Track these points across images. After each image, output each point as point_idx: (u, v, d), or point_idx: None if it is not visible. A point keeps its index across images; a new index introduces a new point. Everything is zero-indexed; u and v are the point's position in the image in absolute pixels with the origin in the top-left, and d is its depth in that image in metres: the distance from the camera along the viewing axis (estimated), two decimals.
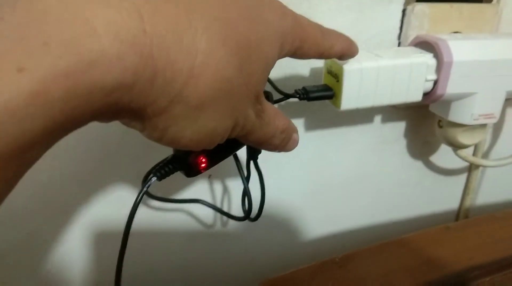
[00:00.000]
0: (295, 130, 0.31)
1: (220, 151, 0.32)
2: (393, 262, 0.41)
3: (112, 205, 0.43)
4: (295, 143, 0.31)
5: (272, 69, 0.40)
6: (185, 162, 0.31)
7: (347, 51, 0.31)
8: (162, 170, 0.31)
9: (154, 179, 0.30)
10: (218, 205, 0.47)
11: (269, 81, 0.40)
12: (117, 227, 0.44)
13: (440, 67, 0.39)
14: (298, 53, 0.27)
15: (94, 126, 0.21)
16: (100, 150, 0.40)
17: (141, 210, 0.44)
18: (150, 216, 0.45)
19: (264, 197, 0.39)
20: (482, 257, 0.41)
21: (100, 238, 0.44)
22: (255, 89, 0.24)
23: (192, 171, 0.31)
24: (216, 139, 0.23)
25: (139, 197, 0.30)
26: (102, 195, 0.42)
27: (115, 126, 0.27)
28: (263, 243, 0.52)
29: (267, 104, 0.26)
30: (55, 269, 0.44)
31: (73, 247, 0.44)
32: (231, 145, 0.31)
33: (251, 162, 0.38)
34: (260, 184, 0.39)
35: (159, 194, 0.42)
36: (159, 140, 0.22)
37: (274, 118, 0.27)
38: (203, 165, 0.31)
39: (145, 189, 0.30)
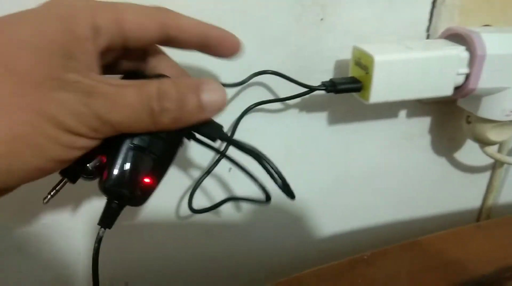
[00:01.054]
0: (195, 87, 0.26)
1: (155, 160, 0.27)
2: (423, 260, 0.40)
3: None
4: (211, 104, 0.26)
5: (295, 60, 0.39)
6: (127, 195, 0.27)
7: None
8: (107, 218, 0.28)
9: (103, 230, 0.28)
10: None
11: (284, 76, 0.39)
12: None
13: (472, 60, 0.38)
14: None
15: None
16: None
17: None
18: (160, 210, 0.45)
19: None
20: None
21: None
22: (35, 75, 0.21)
23: (141, 199, 0.28)
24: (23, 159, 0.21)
25: (94, 253, 0.28)
26: None
27: None
28: (281, 240, 0.51)
29: (99, 77, 0.23)
30: (64, 260, 0.44)
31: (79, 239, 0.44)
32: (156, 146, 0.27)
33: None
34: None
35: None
36: None
37: (125, 85, 0.24)
38: (148, 183, 0.27)
39: (97, 245, 0.28)
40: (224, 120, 0.41)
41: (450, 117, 0.49)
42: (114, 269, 0.46)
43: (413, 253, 0.41)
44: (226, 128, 0.41)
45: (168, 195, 0.44)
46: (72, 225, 0.42)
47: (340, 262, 0.40)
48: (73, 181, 0.29)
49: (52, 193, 0.29)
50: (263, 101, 0.41)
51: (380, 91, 0.37)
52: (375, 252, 0.41)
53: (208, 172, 0.40)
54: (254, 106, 0.41)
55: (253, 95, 0.41)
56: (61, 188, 0.29)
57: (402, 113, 0.47)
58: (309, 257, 0.53)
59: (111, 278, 0.47)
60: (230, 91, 0.40)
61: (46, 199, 0.29)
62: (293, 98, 0.40)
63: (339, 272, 0.38)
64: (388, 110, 0.47)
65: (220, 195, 0.45)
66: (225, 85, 0.35)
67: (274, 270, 0.52)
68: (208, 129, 0.28)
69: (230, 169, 0.45)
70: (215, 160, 0.40)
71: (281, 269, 0.52)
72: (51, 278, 0.45)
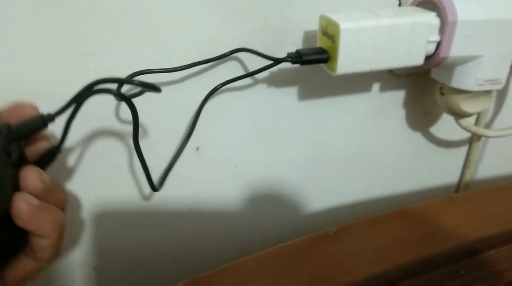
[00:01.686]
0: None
1: None
2: (392, 235, 0.38)
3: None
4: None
5: (262, 33, 0.37)
6: None
7: None
8: None
9: None
10: None
11: (253, 51, 0.37)
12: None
13: (443, 27, 0.36)
14: None
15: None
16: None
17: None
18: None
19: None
20: (487, 230, 0.39)
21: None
22: None
23: None
24: None
25: None
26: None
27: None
28: (256, 218, 0.50)
29: None
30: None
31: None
32: None
33: None
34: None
35: None
36: None
37: None
38: None
39: None
40: (190, 102, 0.39)
41: (424, 89, 0.48)
42: (82, 255, 0.45)
43: (381, 228, 0.40)
44: (192, 110, 0.40)
45: (129, 181, 0.42)
46: None
47: (303, 239, 0.38)
48: None
49: None
50: (228, 80, 0.39)
51: (347, 61, 0.35)
52: (340, 227, 0.40)
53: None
54: (220, 87, 0.39)
55: (218, 72, 0.39)
56: None
57: (375, 86, 0.46)
58: (285, 236, 0.52)
59: (79, 263, 0.45)
60: (195, 69, 0.38)
61: None
62: (258, 72, 0.38)
63: (302, 249, 0.37)
64: (360, 83, 0.45)
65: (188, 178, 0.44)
66: (190, 65, 0.34)
67: (249, 249, 0.51)
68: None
69: (198, 148, 0.43)
70: None
71: (255, 248, 0.51)
72: None
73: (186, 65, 0.36)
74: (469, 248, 0.37)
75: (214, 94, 0.39)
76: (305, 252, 0.37)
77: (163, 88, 0.37)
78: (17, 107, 0.27)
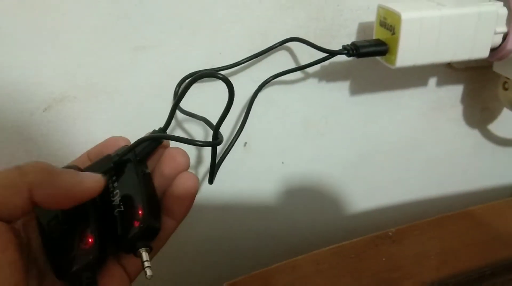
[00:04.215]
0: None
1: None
2: (455, 238, 0.36)
3: None
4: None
5: (315, 24, 0.36)
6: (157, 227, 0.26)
7: None
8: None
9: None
10: None
11: (306, 41, 0.36)
12: None
13: (511, 17, 0.34)
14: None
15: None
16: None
17: None
18: None
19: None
20: None
21: None
22: None
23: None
24: None
25: None
26: None
27: None
28: (301, 216, 0.49)
29: None
30: None
31: None
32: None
33: None
34: None
35: None
36: None
37: None
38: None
39: None
40: (239, 95, 0.38)
41: (484, 84, 0.45)
42: None
43: (444, 230, 0.38)
44: (242, 104, 0.39)
45: None
46: None
47: (363, 239, 0.37)
48: None
49: None
50: (279, 73, 0.38)
51: (407, 53, 0.33)
52: (401, 228, 0.38)
53: None
54: (272, 79, 0.38)
55: (269, 64, 0.38)
56: None
57: (432, 81, 0.44)
58: (333, 235, 0.51)
59: None
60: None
61: None
62: (312, 65, 0.37)
63: (362, 250, 0.35)
64: (416, 77, 0.43)
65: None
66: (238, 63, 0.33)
67: (294, 248, 0.50)
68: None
69: (245, 143, 0.42)
70: None
71: (304, 247, 0.50)
72: None
73: (236, 63, 0.36)
74: None
75: (263, 88, 0.38)
76: (364, 253, 0.35)
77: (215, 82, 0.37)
78: (111, 140, 0.29)
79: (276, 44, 0.36)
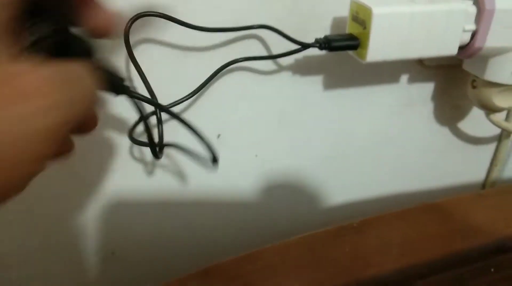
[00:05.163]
0: None
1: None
2: (419, 229, 0.37)
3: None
4: None
5: (288, 18, 0.35)
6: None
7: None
8: None
9: None
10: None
11: (279, 32, 0.36)
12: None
13: (480, 16, 0.35)
14: None
15: None
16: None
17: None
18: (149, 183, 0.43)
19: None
20: None
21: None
22: None
23: None
24: None
25: None
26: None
27: None
28: (275, 209, 0.49)
29: None
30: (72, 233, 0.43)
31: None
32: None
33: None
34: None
35: None
36: None
37: None
38: None
39: None
40: (205, 71, 0.38)
41: (455, 82, 0.46)
42: (101, 239, 0.44)
43: (407, 221, 0.38)
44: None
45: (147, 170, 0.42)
46: None
47: (326, 230, 0.37)
48: None
49: None
50: (250, 57, 0.38)
51: (378, 48, 0.34)
52: (365, 220, 0.39)
53: None
54: (241, 61, 0.38)
55: (241, 48, 0.38)
56: None
57: (403, 78, 0.45)
58: (304, 229, 0.51)
59: (97, 248, 0.45)
60: (217, 40, 0.37)
61: None
62: (283, 56, 0.37)
63: (325, 240, 0.36)
64: (388, 74, 0.44)
65: None
66: (214, 29, 0.32)
67: (267, 240, 0.50)
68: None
69: (219, 135, 0.42)
70: None
71: (273, 239, 0.50)
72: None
73: (205, 27, 0.34)
74: (499, 245, 0.35)
75: (236, 75, 0.38)
76: (328, 243, 0.36)
77: (185, 52, 0.36)
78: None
79: (249, 26, 0.36)
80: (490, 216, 0.39)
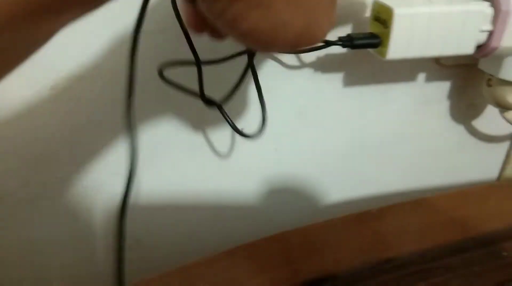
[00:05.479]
0: None
1: None
2: (435, 216, 0.39)
3: None
4: None
5: None
6: None
7: None
8: None
9: None
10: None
11: None
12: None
13: (496, 17, 0.36)
14: None
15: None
16: None
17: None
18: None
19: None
20: None
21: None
22: None
23: None
24: (284, 39, 0.18)
25: None
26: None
27: None
28: (291, 202, 0.51)
29: None
30: (82, 214, 0.44)
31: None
32: None
33: None
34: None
35: None
36: (218, 16, 0.17)
37: None
38: None
39: None
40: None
41: (470, 81, 0.48)
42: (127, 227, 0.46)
43: (422, 210, 0.40)
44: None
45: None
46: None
47: (347, 215, 0.39)
48: None
49: None
50: None
51: (398, 47, 0.35)
52: (384, 207, 0.41)
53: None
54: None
55: None
56: None
57: (421, 76, 0.46)
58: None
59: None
60: None
61: None
62: (307, 52, 0.39)
63: (346, 225, 0.38)
64: (406, 72, 0.45)
65: None
66: None
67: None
68: None
69: (242, 129, 0.44)
70: None
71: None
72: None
73: None
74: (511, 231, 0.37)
75: (260, 74, 0.40)
76: (350, 227, 0.37)
77: None
78: None
79: None
80: (503, 204, 0.41)
